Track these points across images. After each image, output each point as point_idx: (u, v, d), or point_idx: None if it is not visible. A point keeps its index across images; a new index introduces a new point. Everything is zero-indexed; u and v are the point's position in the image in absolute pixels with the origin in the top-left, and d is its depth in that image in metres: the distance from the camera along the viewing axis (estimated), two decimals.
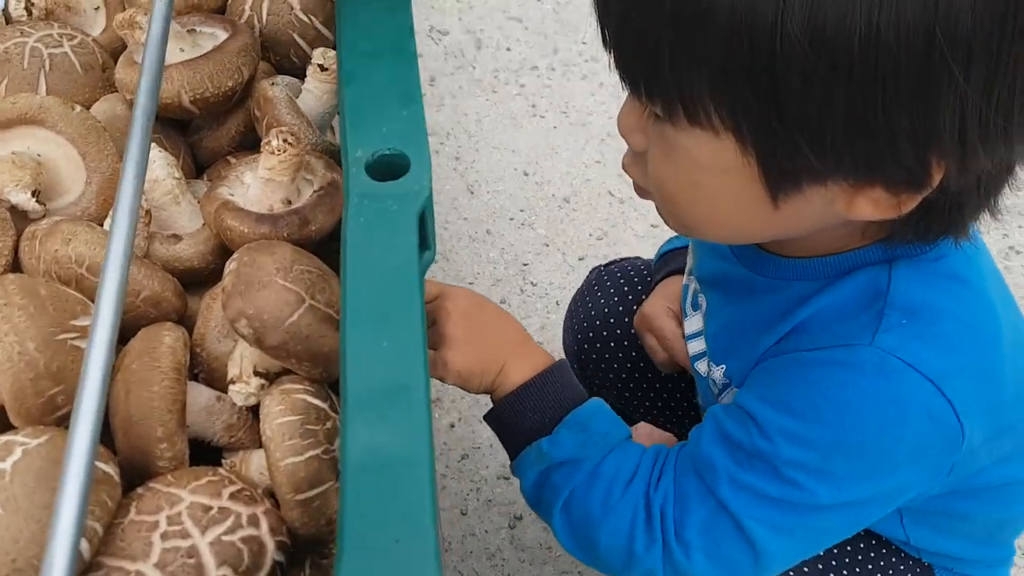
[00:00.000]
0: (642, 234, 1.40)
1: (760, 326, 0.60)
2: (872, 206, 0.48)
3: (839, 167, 0.46)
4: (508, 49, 1.64)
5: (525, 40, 1.65)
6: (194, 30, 0.62)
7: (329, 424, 0.43)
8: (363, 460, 0.31)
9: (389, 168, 0.40)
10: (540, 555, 1.09)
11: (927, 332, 0.53)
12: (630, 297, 0.88)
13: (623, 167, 0.59)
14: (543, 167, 1.47)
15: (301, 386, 0.44)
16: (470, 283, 1.33)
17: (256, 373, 0.45)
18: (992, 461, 0.60)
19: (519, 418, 0.64)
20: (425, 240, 0.40)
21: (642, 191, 0.57)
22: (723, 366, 0.66)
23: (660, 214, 0.58)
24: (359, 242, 0.37)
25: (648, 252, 1.42)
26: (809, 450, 0.55)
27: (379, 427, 0.32)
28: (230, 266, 0.46)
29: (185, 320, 0.53)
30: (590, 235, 1.39)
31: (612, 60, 0.50)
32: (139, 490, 0.42)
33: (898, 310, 0.53)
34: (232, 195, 0.55)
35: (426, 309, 0.65)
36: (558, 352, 1.27)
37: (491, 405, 0.67)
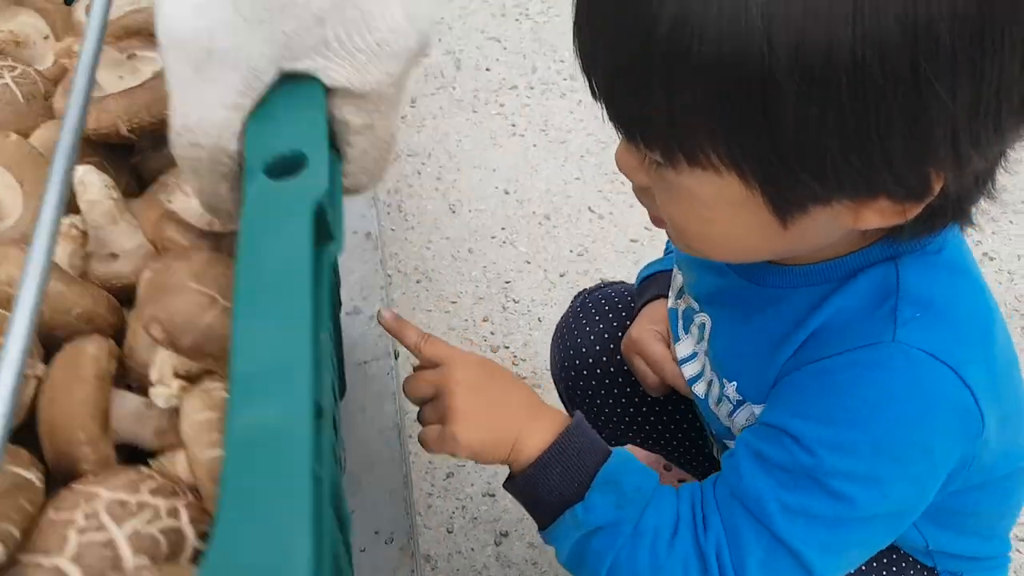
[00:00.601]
0: (622, 249, 1.40)
1: (772, 339, 0.59)
2: (879, 216, 0.49)
3: (841, 190, 0.47)
4: (487, 69, 1.66)
5: (504, 60, 1.67)
6: (134, 55, 0.64)
7: None
8: (244, 437, 0.32)
9: (287, 167, 0.41)
10: (527, 571, 1.09)
11: (941, 323, 0.54)
12: (615, 324, 0.88)
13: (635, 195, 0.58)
14: (523, 185, 1.49)
15: (221, 384, 0.45)
16: (453, 302, 1.34)
17: (177, 375, 0.46)
18: (1003, 452, 0.60)
19: (545, 488, 0.62)
20: (327, 232, 0.41)
21: (657, 220, 0.57)
22: (735, 383, 0.65)
23: (671, 239, 0.58)
24: (253, 235, 0.38)
25: (628, 267, 1.44)
26: (853, 456, 0.54)
27: (262, 406, 0.33)
28: (144, 275, 0.47)
29: (123, 336, 0.54)
30: (571, 251, 1.40)
31: (604, 111, 0.50)
32: (60, 491, 0.43)
33: (911, 304, 0.54)
34: (170, 202, 0.56)
35: (431, 378, 0.64)
36: (542, 369, 1.28)
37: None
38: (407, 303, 1.34)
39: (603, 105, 0.50)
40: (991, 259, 1.38)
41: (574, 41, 0.50)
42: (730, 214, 0.50)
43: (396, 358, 0.98)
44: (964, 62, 0.43)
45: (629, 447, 1.04)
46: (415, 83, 1.64)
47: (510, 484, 0.64)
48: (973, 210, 0.54)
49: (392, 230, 1.43)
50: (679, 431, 0.91)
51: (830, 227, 0.51)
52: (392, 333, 0.66)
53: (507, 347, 1.30)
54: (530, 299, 1.35)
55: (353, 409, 0.88)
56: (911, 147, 0.45)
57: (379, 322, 0.67)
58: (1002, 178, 1.43)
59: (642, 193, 0.56)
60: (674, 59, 0.44)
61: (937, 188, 0.47)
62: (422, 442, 0.64)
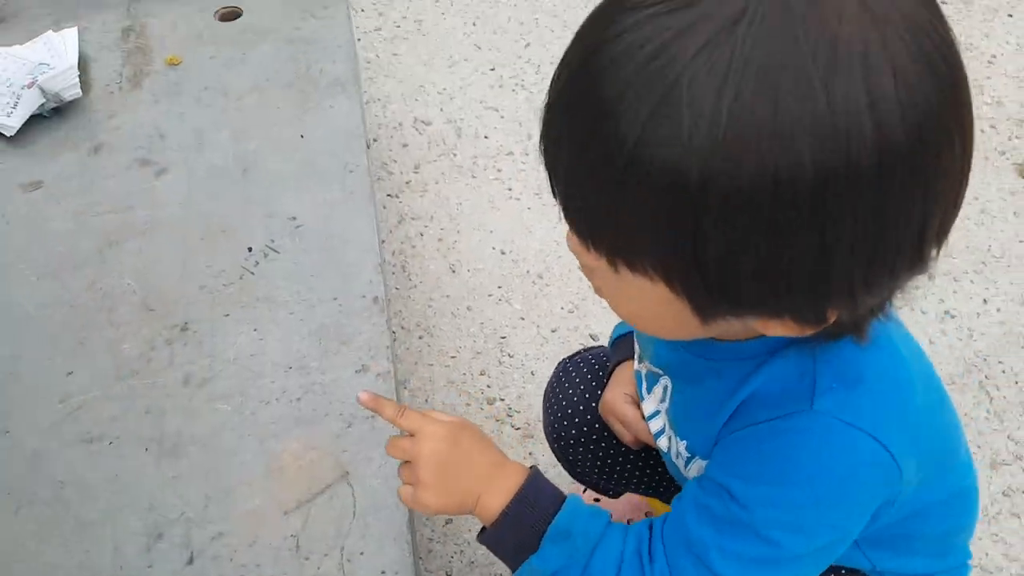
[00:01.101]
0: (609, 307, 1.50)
1: (712, 405, 0.68)
2: (782, 328, 0.56)
3: (751, 312, 0.55)
4: (486, 137, 1.76)
5: (501, 128, 1.78)
6: None
7: None
8: None
9: None
10: None
11: (855, 392, 0.62)
12: (595, 384, 0.98)
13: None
14: (518, 246, 1.58)
15: None
16: (452, 356, 1.43)
17: None
18: (926, 485, 0.68)
19: (505, 543, 0.72)
20: None
21: (600, 292, 0.64)
22: (685, 441, 0.74)
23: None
24: None
25: (616, 322, 1.52)
26: (781, 510, 0.63)
27: None
28: None
29: None
30: (562, 308, 1.49)
31: (561, 211, 0.56)
32: None
33: (827, 378, 0.62)
34: None
35: (405, 446, 0.73)
36: (535, 420, 1.36)
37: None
38: (410, 358, 1.43)
39: (560, 207, 0.56)
40: (952, 316, 1.47)
41: (540, 148, 0.56)
42: (658, 309, 0.57)
43: None
44: (863, 228, 0.49)
45: (628, 496, 1.14)
46: (419, 150, 1.74)
47: (481, 537, 0.74)
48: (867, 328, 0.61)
49: (396, 289, 1.52)
50: (665, 478, 1.00)
51: (744, 326, 0.59)
52: (371, 410, 0.76)
53: (502, 399, 1.38)
54: (524, 354, 1.44)
55: (360, 459, 0.97)
56: (811, 293, 0.52)
57: (359, 403, 0.76)
58: (961, 239, 1.56)
59: (586, 270, 0.62)
60: (626, 190, 0.50)
61: (832, 319, 0.55)
62: (399, 496, 0.75)
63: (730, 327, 0.59)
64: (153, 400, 1.01)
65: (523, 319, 1.48)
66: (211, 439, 0.98)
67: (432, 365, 1.42)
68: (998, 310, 1.48)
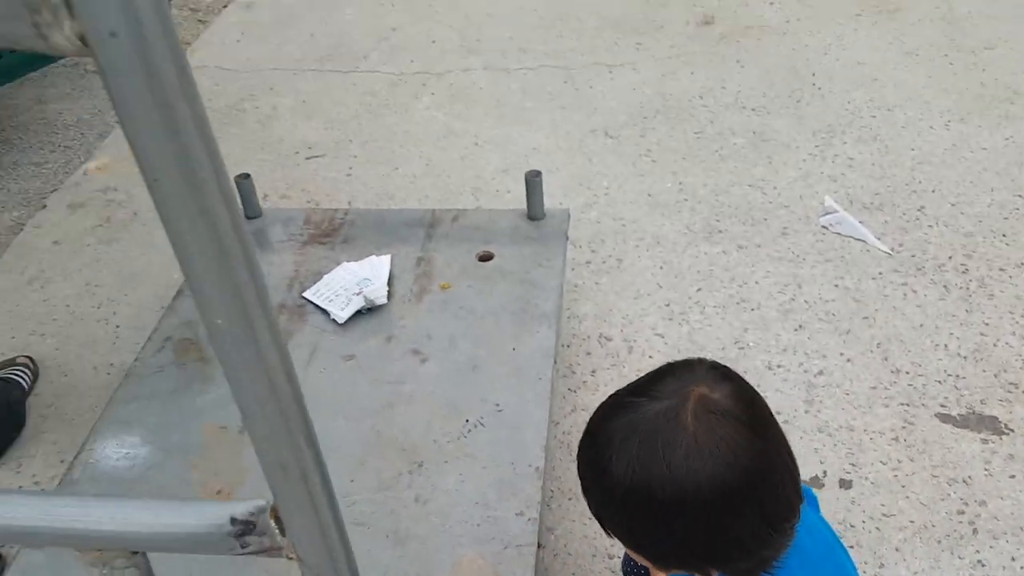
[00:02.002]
0: None
1: None
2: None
3: (672, 568, 1.06)
4: (650, 356, 2.36)
5: (664, 351, 2.37)
6: None
7: None
8: None
9: None
10: None
11: None
12: None
13: None
14: None
15: None
16: (589, 518, 1.95)
17: None
18: None
19: None
20: None
21: None
22: None
23: None
24: None
25: None
26: None
27: None
28: None
29: None
30: None
31: None
32: None
33: None
34: None
35: None
36: None
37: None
38: (560, 512, 2.02)
39: None
40: (982, 566, 1.86)
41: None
42: (639, 558, 1.07)
43: (541, 547, 1.66)
44: (681, 538, 0.93)
45: None
46: (598, 359, 2.38)
47: None
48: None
49: (560, 460, 2.13)
50: None
51: None
52: None
53: (620, 556, 1.94)
54: None
55: (509, 572, 1.57)
56: (682, 564, 0.99)
57: None
58: (1009, 506, 2.15)
59: None
60: (604, 495, 0.99)
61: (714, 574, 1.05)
62: None
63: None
64: (395, 507, 1.68)
65: None
66: (424, 539, 1.63)
67: (574, 521, 2.01)
68: (1021, 568, 1.86)
